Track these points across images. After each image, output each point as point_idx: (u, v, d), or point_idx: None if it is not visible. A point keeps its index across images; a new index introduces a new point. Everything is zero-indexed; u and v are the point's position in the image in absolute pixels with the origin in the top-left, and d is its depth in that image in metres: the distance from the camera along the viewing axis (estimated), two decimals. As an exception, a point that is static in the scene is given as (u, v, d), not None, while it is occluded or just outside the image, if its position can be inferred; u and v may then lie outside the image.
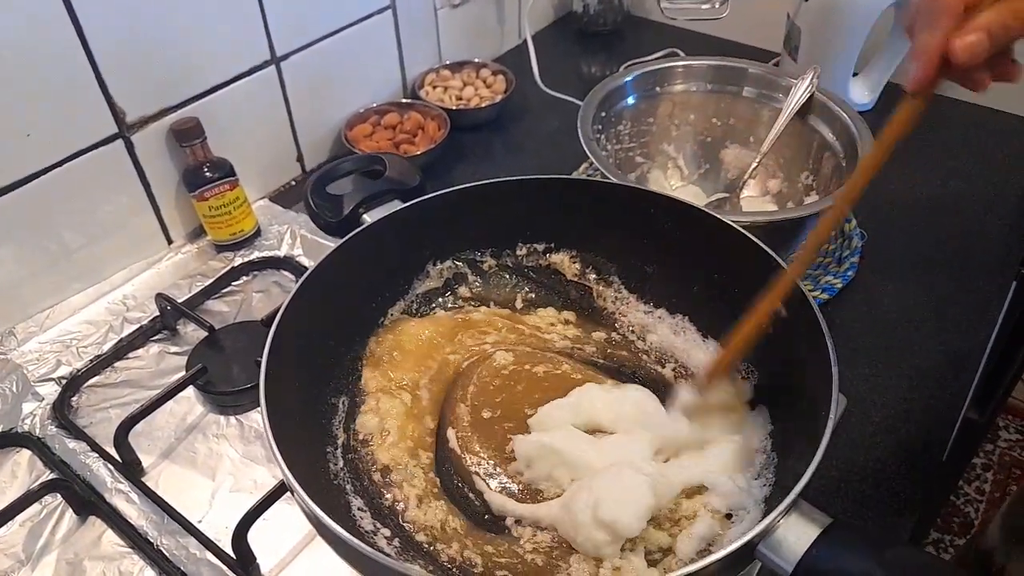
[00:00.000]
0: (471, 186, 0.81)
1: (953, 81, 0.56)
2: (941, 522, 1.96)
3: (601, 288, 0.87)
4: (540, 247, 0.87)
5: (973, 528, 1.95)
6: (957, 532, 1.95)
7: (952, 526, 1.96)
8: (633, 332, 0.84)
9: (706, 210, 0.76)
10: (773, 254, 0.69)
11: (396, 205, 0.81)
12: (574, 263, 0.87)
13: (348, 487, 0.70)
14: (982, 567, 1.08)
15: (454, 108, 1.29)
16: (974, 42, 0.51)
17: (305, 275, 0.72)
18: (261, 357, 0.63)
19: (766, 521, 0.51)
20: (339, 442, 0.74)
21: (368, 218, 0.81)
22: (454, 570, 0.65)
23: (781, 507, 0.51)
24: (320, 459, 0.71)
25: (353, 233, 0.77)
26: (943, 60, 0.52)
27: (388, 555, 0.63)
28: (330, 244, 0.77)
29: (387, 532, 0.66)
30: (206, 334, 0.92)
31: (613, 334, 0.85)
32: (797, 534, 0.51)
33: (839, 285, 0.98)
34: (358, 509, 0.68)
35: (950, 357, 0.92)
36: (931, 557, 0.86)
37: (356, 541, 0.52)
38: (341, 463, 0.72)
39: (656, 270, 0.83)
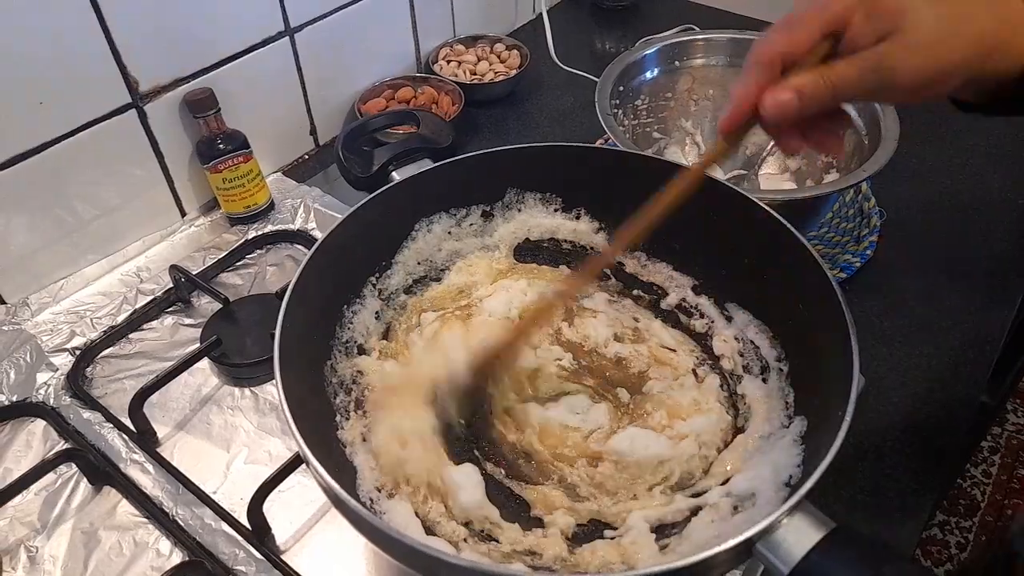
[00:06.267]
0: (503, 150, 0.80)
1: (770, 136, 0.56)
2: (947, 504, 1.97)
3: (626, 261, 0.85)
4: (568, 215, 0.85)
5: (979, 511, 1.96)
6: (963, 514, 1.96)
7: (959, 508, 1.97)
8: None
9: (741, 190, 0.73)
10: (805, 240, 0.66)
11: (426, 164, 0.80)
12: (600, 234, 0.85)
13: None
14: (1008, 563, 1.07)
15: (468, 83, 1.28)
16: (784, 100, 0.51)
17: (331, 229, 0.71)
18: (275, 330, 0.62)
19: (768, 520, 0.49)
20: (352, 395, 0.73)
21: (397, 176, 0.79)
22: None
23: (785, 507, 0.49)
24: (329, 417, 0.70)
25: (382, 189, 0.75)
26: (753, 110, 0.53)
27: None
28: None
29: None
30: (220, 306, 0.91)
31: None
32: (798, 536, 0.49)
33: (857, 264, 0.97)
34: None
35: (969, 337, 0.91)
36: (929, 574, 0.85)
37: (372, 516, 0.52)
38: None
39: (682, 247, 0.81)
